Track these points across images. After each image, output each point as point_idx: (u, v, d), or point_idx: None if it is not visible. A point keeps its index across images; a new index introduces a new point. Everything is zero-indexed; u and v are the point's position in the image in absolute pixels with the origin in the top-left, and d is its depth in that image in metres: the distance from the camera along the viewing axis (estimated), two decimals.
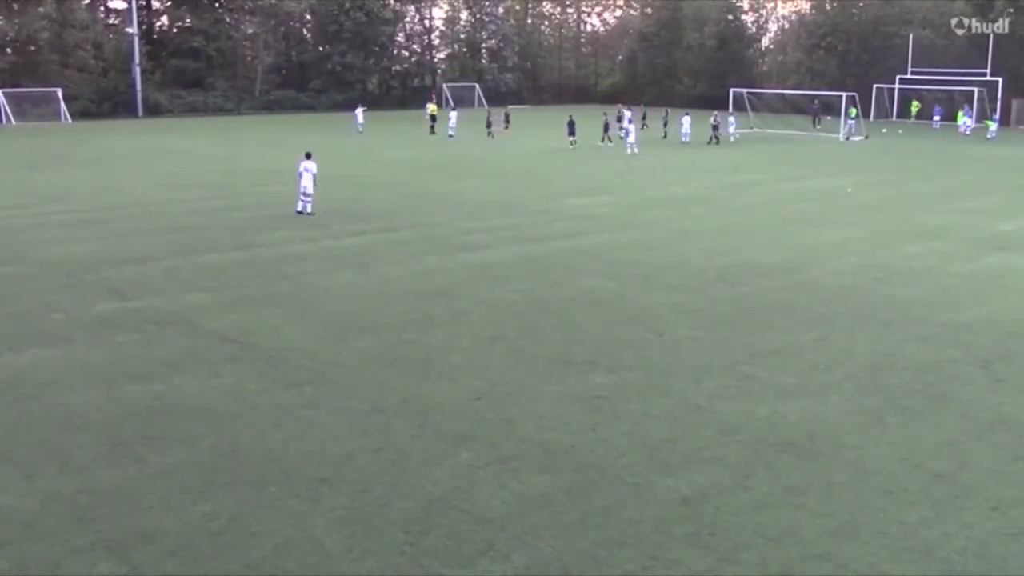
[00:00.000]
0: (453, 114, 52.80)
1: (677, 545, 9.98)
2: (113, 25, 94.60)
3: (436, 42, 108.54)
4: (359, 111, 65.87)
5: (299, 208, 30.57)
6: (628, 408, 13.83)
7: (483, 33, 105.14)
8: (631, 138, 52.62)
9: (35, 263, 23.60)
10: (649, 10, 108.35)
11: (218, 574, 9.39)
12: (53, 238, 26.80)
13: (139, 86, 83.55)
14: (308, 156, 30.78)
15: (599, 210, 32.32)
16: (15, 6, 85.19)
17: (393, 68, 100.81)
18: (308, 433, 12.87)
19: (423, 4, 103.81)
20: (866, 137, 63.31)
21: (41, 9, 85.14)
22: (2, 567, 9.43)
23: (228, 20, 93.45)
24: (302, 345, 16.86)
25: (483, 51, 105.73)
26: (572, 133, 54.61)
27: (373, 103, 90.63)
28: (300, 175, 30.46)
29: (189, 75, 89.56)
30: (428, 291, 20.78)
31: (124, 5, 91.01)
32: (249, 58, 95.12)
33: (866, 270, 23.27)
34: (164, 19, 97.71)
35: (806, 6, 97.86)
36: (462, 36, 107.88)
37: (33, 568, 9.44)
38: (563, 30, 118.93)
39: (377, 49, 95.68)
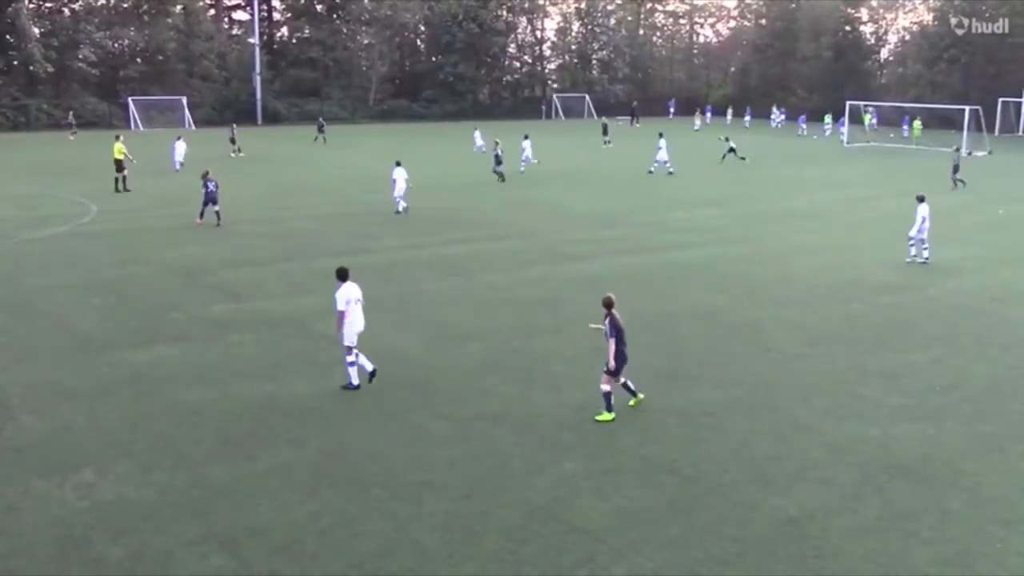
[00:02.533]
0: (527, 143, 49.90)
1: (781, 566, 9.76)
2: (236, 36, 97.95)
3: (547, 53, 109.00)
4: (477, 133, 63.74)
5: (398, 209, 33.02)
6: (733, 424, 13.61)
7: (594, 44, 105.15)
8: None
9: (157, 264, 24.51)
10: (763, 21, 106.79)
11: (322, 572, 9.58)
12: (174, 240, 27.81)
13: (259, 95, 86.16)
14: (398, 164, 33.77)
15: (707, 223, 31.91)
16: (146, 18, 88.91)
17: (504, 79, 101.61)
18: (412, 437, 13.04)
19: (535, 15, 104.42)
20: (990, 152, 60.98)
21: (169, 20, 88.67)
22: (119, 554, 9.82)
23: (345, 31, 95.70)
24: (408, 350, 17.09)
25: (594, 62, 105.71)
26: (605, 133, 57.29)
27: (483, 113, 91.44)
28: (394, 181, 33.21)
29: (306, 84, 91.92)
30: (533, 300, 20.83)
31: (247, 16, 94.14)
32: (364, 68, 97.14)
33: (985, 290, 22.40)
34: (284, 30, 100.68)
35: (928, 17, 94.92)
36: (573, 47, 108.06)
37: (148, 558, 9.79)
38: (675, 41, 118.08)
39: (489, 60, 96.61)
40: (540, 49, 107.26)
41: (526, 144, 47.50)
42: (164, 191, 38.71)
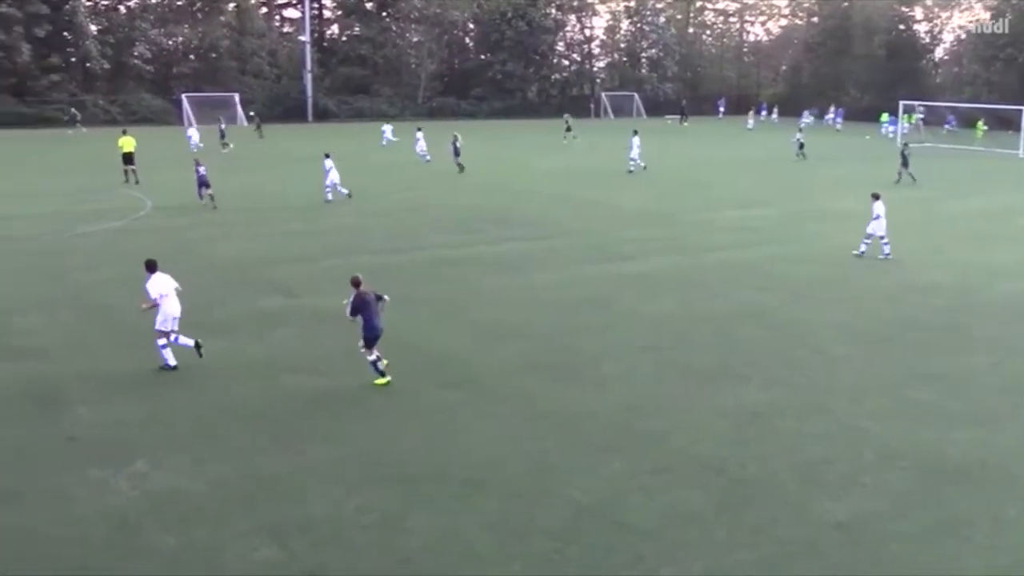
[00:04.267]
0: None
1: (831, 571, 9.63)
2: (287, 33, 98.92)
3: (596, 51, 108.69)
4: (388, 128, 64.12)
5: (327, 198, 35.18)
6: (783, 425, 13.46)
7: (644, 43, 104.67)
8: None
9: (208, 259, 24.81)
10: (816, 19, 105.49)
11: (370, 566, 9.63)
12: (225, 236, 28.14)
13: (309, 92, 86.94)
14: (327, 156, 35.78)
15: (758, 223, 31.61)
16: (199, 15, 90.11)
17: (552, 77, 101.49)
18: (459, 435, 13.06)
19: (584, 13, 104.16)
20: None
21: (222, 18, 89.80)
22: (171, 544, 9.95)
23: (394, 29, 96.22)
24: (456, 347, 17.13)
25: (643, 61, 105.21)
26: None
27: (532, 111, 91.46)
28: (327, 171, 35.15)
29: (356, 82, 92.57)
30: (581, 299, 20.77)
31: (298, 14, 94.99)
32: (413, 66, 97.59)
33: None
34: (335, 28, 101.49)
35: (985, 16, 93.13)
36: (622, 45, 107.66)
37: (199, 548, 9.91)
38: (725, 39, 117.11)
39: (537, 58, 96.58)
40: (589, 47, 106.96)
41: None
42: (229, 187, 39.15)
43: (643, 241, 27.82)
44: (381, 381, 14.81)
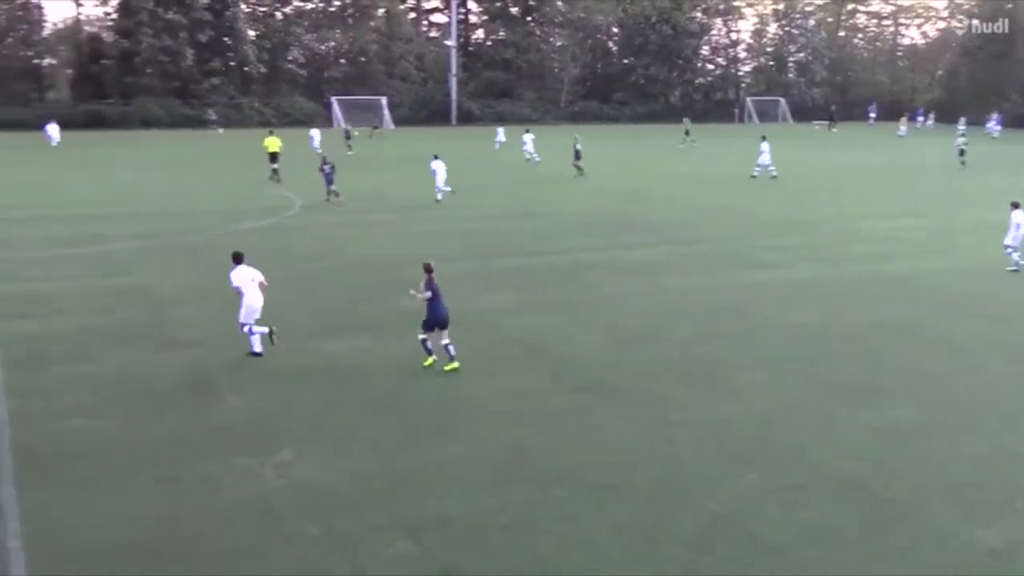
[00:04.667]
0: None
1: None
2: (434, 38, 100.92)
3: (742, 55, 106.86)
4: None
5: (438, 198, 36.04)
6: (931, 445, 12.93)
7: (792, 46, 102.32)
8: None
9: (352, 258, 25.56)
10: (975, 22, 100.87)
11: (503, 566, 9.73)
12: (369, 236, 28.92)
13: (454, 95, 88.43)
14: (435, 157, 36.65)
15: (905, 233, 30.45)
16: (350, 21, 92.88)
17: (696, 81, 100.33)
18: (593, 439, 13.06)
19: (731, 17, 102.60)
20: None
21: (372, 23, 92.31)
22: (313, 533, 10.30)
23: (538, 33, 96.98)
24: (590, 351, 17.13)
25: (790, 65, 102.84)
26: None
27: (674, 116, 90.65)
28: (434, 172, 36.15)
29: (499, 85, 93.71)
30: (717, 306, 20.46)
31: (445, 19, 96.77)
32: (556, 70, 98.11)
33: None
34: (480, 32, 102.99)
35: None
36: (769, 49, 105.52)
37: (339, 539, 10.22)
38: (878, 43, 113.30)
39: (681, 62, 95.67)
40: (734, 51, 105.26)
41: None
42: (364, 188, 40.27)
43: (781, 249, 27.18)
44: (428, 361, 15.92)
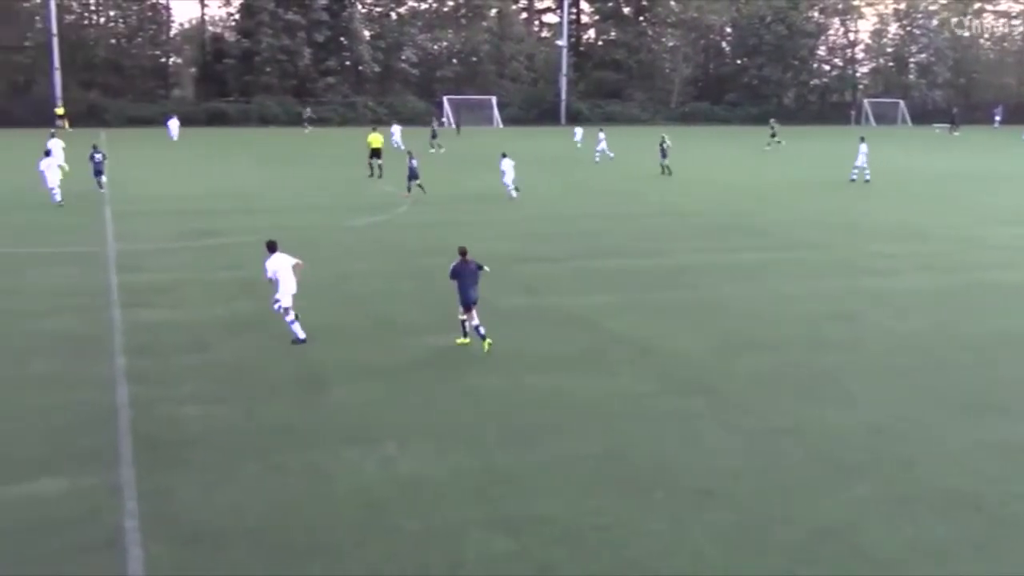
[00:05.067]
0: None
1: None
2: (545, 38, 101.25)
3: (860, 56, 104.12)
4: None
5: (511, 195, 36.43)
6: None
7: (913, 47, 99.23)
8: None
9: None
10: None
11: (600, 567, 9.73)
12: (476, 234, 29.12)
13: (564, 95, 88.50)
14: (504, 155, 37.38)
15: None
16: (463, 21, 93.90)
17: (811, 82, 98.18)
18: (696, 444, 12.93)
19: (849, 17, 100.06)
20: None
21: (484, 23, 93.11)
22: (414, 527, 10.47)
23: (650, 33, 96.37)
24: (695, 355, 16.96)
25: (911, 66, 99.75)
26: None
27: (788, 117, 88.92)
28: (503, 172, 36.69)
29: (609, 86, 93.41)
30: (827, 313, 20.00)
31: (556, 19, 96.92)
32: (667, 70, 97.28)
33: None
34: (591, 32, 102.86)
35: None
36: (889, 50, 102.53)
37: (440, 533, 10.36)
38: (1006, 43, 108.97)
39: (796, 63, 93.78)
40: (852, 52, 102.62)
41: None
42: (473, 187, 40.70)
43: (893, 256, 26.38)
44: (462, 340, 17.03)
